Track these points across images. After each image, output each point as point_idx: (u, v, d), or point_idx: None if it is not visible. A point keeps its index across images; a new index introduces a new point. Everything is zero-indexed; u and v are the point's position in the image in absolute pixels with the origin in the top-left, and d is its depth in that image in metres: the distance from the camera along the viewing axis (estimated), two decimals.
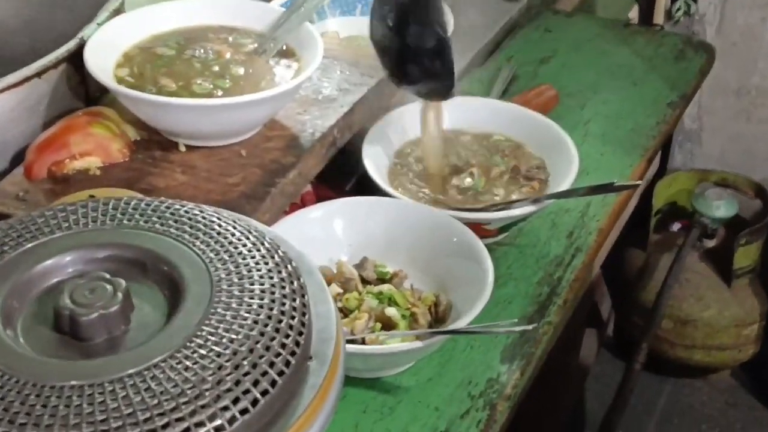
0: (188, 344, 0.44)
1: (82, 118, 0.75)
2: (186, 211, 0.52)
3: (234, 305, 0.46)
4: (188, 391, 0.41)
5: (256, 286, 0.48)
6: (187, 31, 0.82)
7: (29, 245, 0.50)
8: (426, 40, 0.77)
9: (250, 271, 0.49)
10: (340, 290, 0.73)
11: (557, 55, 1.21)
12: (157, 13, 0.82)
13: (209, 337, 0.44)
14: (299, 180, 0.75)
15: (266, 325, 0.45)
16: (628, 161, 1.01)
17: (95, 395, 0.41)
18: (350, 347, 0.65)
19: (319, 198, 0.84)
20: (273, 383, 0.43)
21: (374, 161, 0.85)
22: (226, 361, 0.43)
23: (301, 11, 0.81)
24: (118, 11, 0.81)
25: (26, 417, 0.40)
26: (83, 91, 0.79)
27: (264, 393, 0.43)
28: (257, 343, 0.44)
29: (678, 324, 1.62)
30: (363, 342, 0.68)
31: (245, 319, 0.45)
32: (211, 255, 0.49)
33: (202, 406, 0.41)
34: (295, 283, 0.49)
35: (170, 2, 0.83)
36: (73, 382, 0.42)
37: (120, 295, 0.46)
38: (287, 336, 0.45)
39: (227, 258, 0.49)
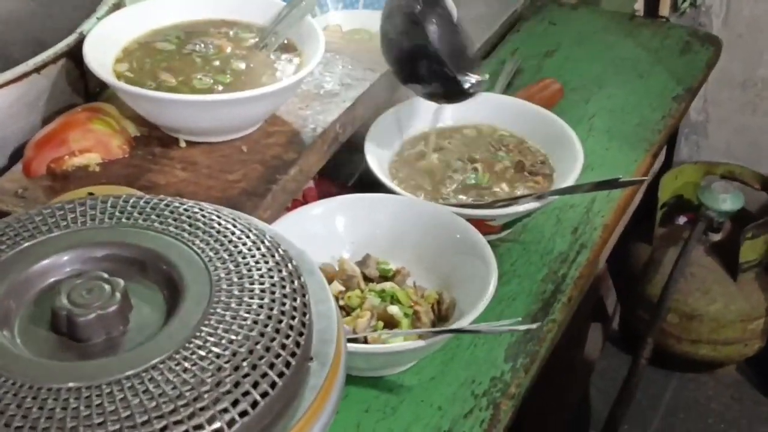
0: (187, 345, 0.43)
1: (81, 114, 0.74)
2: (185, 209, 0.52)
3: (233, 305, 0.46)
4: (187, 394, 0.41)
5: (256, 286, 0.47)
6: (188, 25, 0.82)
7: (26, 244, 0.49)
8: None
9: (249, 270, 0.48)
10: (342, 288, 0.73)
11: (562, 48, 1.20)
12: (157, 7, 0.81)
13: (208, 337, 0.44)
14: (301, 176, 0.75)
15: (266, 326, 0.45)
16: (633, 156, 1.00)
17: (93, 397, 0.41)
18: (352, 346, 0.64)
19: (321, 194, 0.84)
20: (273, 385, 0.43)
21: (377, 157, 0.84)
22: (225, 362, 0.43)
23: (303, 5, 0.80)
24: (117, 5, 0.80)
25: (23, 420, 0.40)
26: (83, 86, 0.78)
27: (264, 395, 0.42)
28: (257, 344, 0.44)
29: (684, 318, 1.61)
30: (365, 341, 0.68)
31: (245, 319, 0.45)
32: (211, 254, 0.49)
33: (201, 409, 0.41)
34: (296, 282, 0.48)
35: None
36: (71, 384, 0.41)
37: (118, 295, 0.45)
38: (287, 336, 0.45)
39: (227, 257, 0.49)
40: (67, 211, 0.51)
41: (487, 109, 0.93)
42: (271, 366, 0.43)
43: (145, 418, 0.40)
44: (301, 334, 0.46)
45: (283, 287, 0.47)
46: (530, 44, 1.20)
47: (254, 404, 0.42)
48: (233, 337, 0.44)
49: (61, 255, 0.49)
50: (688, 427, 1.64)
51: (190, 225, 0.51)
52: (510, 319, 0.73)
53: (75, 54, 0.74)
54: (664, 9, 1.76)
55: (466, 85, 0.79)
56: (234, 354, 0.43)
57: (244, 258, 0.49)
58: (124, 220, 0.51)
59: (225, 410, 0.41)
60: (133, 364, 0.42)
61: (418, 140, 0.91)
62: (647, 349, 1.48)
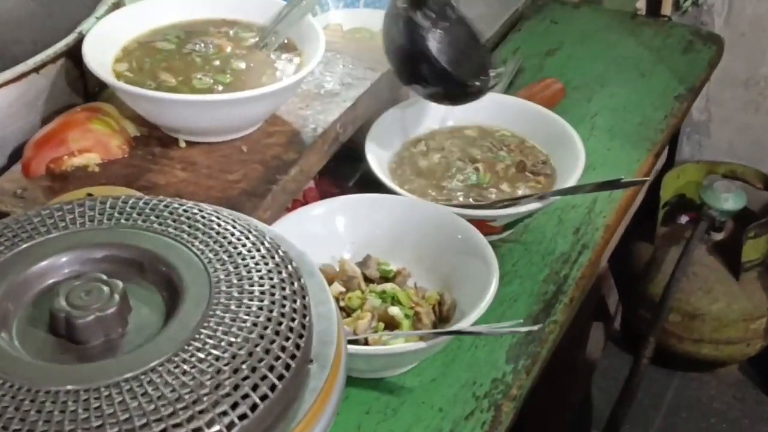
0: (186, 347, 0.43)
1: (80, 114, 0.74)
2: (185, 210, 0.52)
3: (233, 307, 0.46)
4: (186, 396, 0.41)
5: (256, 288, 0.47)
6: (188, 24, 0.82)
7: (25, 245, 0.49)
8: None
9: (249, 271, 0.48)
10: (343, 289, 0.72)
11: (563, 47, 1.20)
12: (157, 6, 0.81)
13: (207, 340, 0.44)
14: (301, 177, 0.74)
15: (266, 328, 0.45)
16: (635, 156, 1.00)
17: (91, 400, 0.41)
18: (352, 348, 0.64)
19: (322, 194, 0.83)
20: (272, 387, 0.42)
21: (377, 157, 0.84)
22: (225, 365, 0.42)
23: (303, 4, 0.80)
24: (117, 5, 0.80)
25: (20, 423, 0.40)
26: (82, 86, 0.78)
27: (263, 398, 0.42)
28: (256, 346, 0.44)
29: (686, 318, 1.61)
30: (366, 342, 0.67)
31: (244, 321, 0.45)
32: (210, 255, 0.49)
33: (200, 412, 0.40)
34: (296, 284, 0.48)
35: None
36: (69, 387, 0.41)
37: (117, 296, 0.45)
38: (287, 339, 0.45)
39: (226, 258, 0.48)
40: (66, 212, 0.51)
41: (488, 108, 0.92)
42: (271, 368, 0.43)
43: (144, 421, 0.40)
44: (301, 336, 0.45)
45: (283, 289, 0.47)
46: (532, 43, 1.19)
47: (253, 407, 0.41)
48: (232, 340, 0.44)
49: (59, 256, 0.49)
50: (690, 427, 1.63)
51: (190, 226, 0.50)
52: (511, 319, 0.72)
53: (74, 53, 0.74)
54: (666, 7, 1.76)
55: (470, 89, 0.78)
56: (233, 356, 0.43)
57: (243, 259, 0.48)
58: (123, 221, 0.51)
59: (224, 413, 0.41)
60: (132, 367, 0.42)
61: (419, 140, 0.90)
62: (649, 348, 1.48)
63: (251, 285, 0.47)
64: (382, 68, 0.85)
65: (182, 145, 0.75)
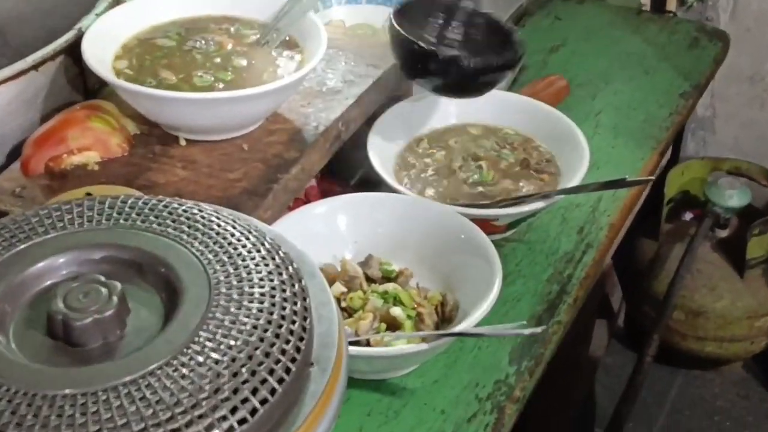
0: (185, 351, 0.43)
1: (80, 111, 0.73)
2: (184, 210, 0.51)
3: (233, 309, 0.45)
4: (185, 401, 0.41)
5: (256, 289, 0.46)
6: (188, 21, 0.81)
7: (22, 246, 0.49)
8: None
9: (249, 273, 0.47)
10: (344, 289, 0.72)
11: (567, 43, 1.19)
12: (158, 3, 0.81)
13: (207, 343, 0.43)
14: (302, 175, 0.74)
15: (266, 330, 0.44)
16: (639, 154, 0.99)
17: (88, 404, 0.40)
18: (354, 350, 0.64)
19: (324, 192, 0.83)
20: (272, 391, 0.42)
21: (380, 155, 0.83)
22: (224, 368, 0.42)
23: (305, 1, 0.79)
24: (117, 1, 0.79)
25: (17, 428, 0.39)
26: (81, 83, 0.77)
27: (263, 402, 0.42)
28: (256, 349, 0.43)
29: (690, 315, 1.60)
30: (367, 344, 0.67)
31: (244, 323, 0.44)
32: (210, 256, 0.48)
33: (199, 416, 0.40)
34: (296, 285, 0.47)
35: None
36: (66, 391, 0.41)
37: (115, 298, 0.45)
38: (287, 341, 0.44)
39: (226, 259, 0.48)
40: (64, 212, 0.51)
41: (492, 106, 0.92)
42: (271, 372, 0.43)
43: (142, 426, 0.39)
44: (301, 339, 0.45)
45: (284, 291, 0.47)
46: (535, 39, 1.18)
47: (253, 411, 0.41)
48: (232, 343, 0.43)
49: (57, 257, 0.48)
50: (693, 425, 1.63)
51: (189, 226, 0.50)
52: (515, 320, 0.72)
53: (74, 51, 0.74)
54: (671, 3, 1.75)
55: (479, 80, 0.78)
56: (233, 360, 0.42)
57: (243, 260, 0.48)
58: (121, 221, 0.50)
59: (223, 418, 0.40)
60: (130, 370, 0.42)
61: (421, 138, 0.90)
62: (653, 346, 1.47)
63: (251, 287, 0.46)
64: (385, 65, 0.84)
65: (182, 143, 0.75)
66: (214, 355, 0.42)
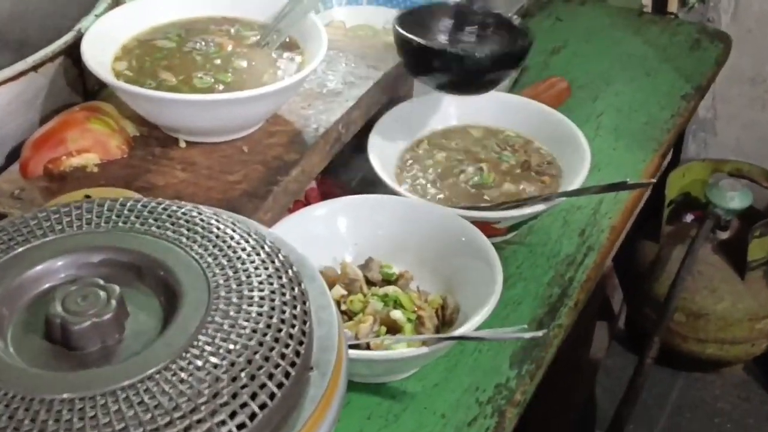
0: (184, 355, 0.43)
1: (79, 113, 0.73)
2: (183, 213, 0.51)
3: (232, 313, 0.45)
4: (183, 405, 0.40)
5: (255, 293, 0.46)
6: (188, 22, 0.81)
7: (21, 249, 0.49)
8: None
9: (249, 276, 0.47)
10: (344, 292, 0.72)
11: (568, 44, 1.19)
12: (157, 4, 0.80)
13: (206, 347, 0.43)
14: (303, 177, 0.73)
15: (265, 335, 0.44)
16: (641, 156, 0.99)
17: (86, 409, 0.40)
18: (354, 353, 0.63)
19: (324, 195, 0.82)
20: (272, 396, 0.42)
21: (380, 157, 0.83)
22: (223, 372, 0.42)
23: (305, 1, 0.79)
24: (117, 2, 0.79)
25: None
26: (81, 85, 0.77)
27: (262, 406, 0.41)
28: (255, 353, 0.43)
29: (690, 317, 1.60)
30: (367, 347, 0.67)
31: (243, 327, 0.44)
32: (209, 259, 0.48)
33: (198, 421, 0.40)
34: (296, 289, 0.47)
35: None
36: (64, 395, 0.41)
37: (114, 302, 0.45)
38: (287, 345, 0.44)
39: (225, 263, 0.48)
40: (63, 214, 0.51)
41: (492, 108, 0.92)
42: (270, 376, 0.42)
43: (140, 430, 0.39)
44: (301, 343, 0.45)
45: (283, 294, 0.46)
46: (537, 40, 1.18)
47: (252, 416, 0.41)
48: (231, 347, 0.43)
49: (55, 260, 0.48)
50: (694, 427, 1.63)
51: (188, 229, 0.50)
52: (515, 323, 0.72)
53: (73, 52, 0.73)
54: (673, 4, 1.75)
55: (485, 77, 0.78)
56: (232, 364, 0.42)
57: (243, 264, 0.48)
58: (120, 224, 0.50)
59: (222, 422, 0.40)
60: (129, 375, 0.41)
61: (422, 140, 0.89)
62: (654, 348, 1.47)
63: (251, 290, 0.46)
64: (386, 67, 0.84)
65: (182, 145, 0.74)
66: (213, 360, 0.42)
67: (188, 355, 0.42)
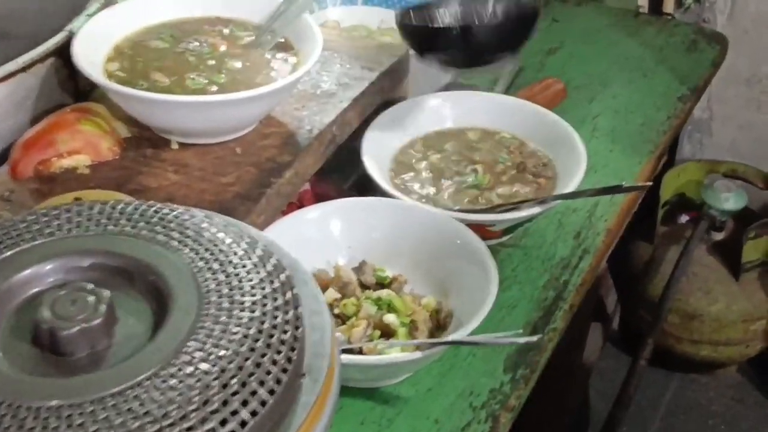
0: (174, 361, 0.42)
1: (70, 114, 0.72)
2: (175, 216, 0.50)
3: (223, 318, 0.44)
4: (173, 413, 0.40)
5: (247, 298, 0.46)
6: (182, 22, 0.80)
7: (9, 253, 0.48)
8: None
9: (240, 281, 0.47)
10: (338, 295, 0.71)
11: (565, 45, 1.18)
12: (150, 4, 0.80)
13: (196, 353, 0.43)
14: (296, 180, 0.73)
15: (257, 340, 0.43)
16: (637, 158, 0.98)
17: (74, 417, 0.40)
18: (347, 358, 0.63)
19: (318, 197, 0.82)
20: (263, 403, 0.41)
21: (374, 159, 0.82)
22: (214, 379, 0.41)
23: (300, 2, 0.78)
24: (109, 1, 0.78)
25: None
26: (72, 85, 0.76)
27: (253, 414, 0.41)
28: (247, 359, 0.42)
29: (685, 318, 1.60)
30: (360, 352, 0.66)
31: (234, 333, 0.44)
32: (200, 264, 0.47)
33: (188, 429, 0.39)
34: (288, 294, 0.47)
35: None
36: (52, 403, 0.40)
37: (103, 307, 0.44)
38: (279, 352, 0.44)
39: (217, 267, 0.47)
40: (52, 217, 0.50)
41: (488, 110, 0.91)
42: (262, 383, 0.42)
43: None
44: (293, 349, 0.44)
45: (275, 299, 0.46)
46: (532, 41, 1.17)
47: (243, 424, 0.40)
48: (222, 353, 0.42)
49: (44, 264, 0.48)
50: (688, 429, 1.63)
51: (180, 233, 0.49)
52: (510, 326, 0.71)
53: (64, 52, 0.73)
54: (669, 5, 1.74)
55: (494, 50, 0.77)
56: (222, 370, 0.42)
57: (234, 268, 0.47)
58: (110, 227, 0.50)
59: (213, 430, 0.40)
60: (117, 381, 0.41)
61: (417, 142, 0.89)
62: (647, 349, 1.47)
63: (242, 295, 0.46)
64: (380, 68, 0.84)
65: (174, 146, 0.74)
66: (204, 366, 0.42)
67: (178, 361, 0.42)
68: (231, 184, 0.70)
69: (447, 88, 0.97)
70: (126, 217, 0.50)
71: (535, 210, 0.79)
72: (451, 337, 0.65)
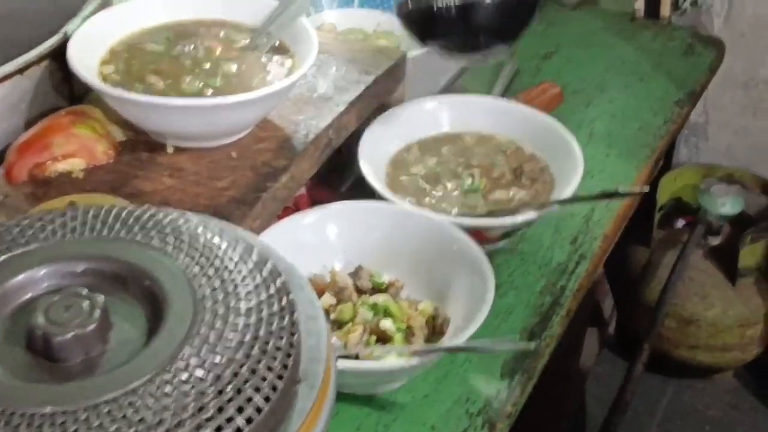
0: (169, 367, 0.42)
1: (65, 117, 0.72)
2: (170, 221, 0.50)
3: (218, 324, 0.44)
4: (167, 420, 0.39)
5: (242, 303, 0.45)
6: (177, 25, 0.80)
7: (2, 258, 0.48)
8: None
9: (236, 287, 0.46)
10: (334, 300, 0.71)
11: (561, 49, 1.18)
12: (146, 6, 0.79)
13: (191, 359, 0.42)
14: (292, 184, 0.73)
15: (252, 347, 0.43)
16: (634, 163, 0.98)
17: (68, 423, 0.39)
18: (343, 363, 0.63)
19: (314, 202, 0.82)
20: (259, 410, 0.41)
21: (371, 163, 0.82)
22: (209, 386, 0.41)
23: (296, 5, 0.78)
24: (104, 4, 0.78)
25: None
26: (67, 88, 0.76)
27: (249, 420, 0.40)
28: (242, 366, 0.42)
29: (681, 323, 1.60)
30: (356, 357, 0.66)
31: (230, 339, 0.43)
32: (196, 269, 0.47)
33: None
34: (284, 299, 0.46)
35: None
36: (46, 409, 0.40)
37: (98, 312, 0.44)
38: (274, 358, 0.43)
39: (212, 272, 0.47)
40: (46, 222, 0.50)
41: (484, 114, 0.91)
42: (257, 389, 0.41)
43: None
44: (288, 355, 0.44)
45: (271, 305, 0.45)
46: (529, 46, 1.18)
47: (238, 431, 0.40)
48: (217, 359, 0.42)
49: (38, 269, 0.47)
50: None
51: (175, 238, 0.49)
52: (507, 332, 0.71)
53: (59, 55, 0.72)
54: (665, 8, 1.74)
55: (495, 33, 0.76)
56: (218, 377, 0.41)
57: (230, 273, 0.47)
58: (105, 232, 0.49)
59: None
60: (112, 388, 0.40)
61: (413, 146, 0.89)
62: (644, 354, 1.47)
63: (238, 301, 0.45)
64: (377, 71, 0.83)
65: (170, 150, 0.73)
66: (199, 372, 0.41)
67: (173, 367, 0.41)
68: (226, 188, 0.70)
69: (444, 91, 0.97)
70: (121, 222, 0.50)
71: (532, 215, 0.79)
72: (447, 344, 0.65)
